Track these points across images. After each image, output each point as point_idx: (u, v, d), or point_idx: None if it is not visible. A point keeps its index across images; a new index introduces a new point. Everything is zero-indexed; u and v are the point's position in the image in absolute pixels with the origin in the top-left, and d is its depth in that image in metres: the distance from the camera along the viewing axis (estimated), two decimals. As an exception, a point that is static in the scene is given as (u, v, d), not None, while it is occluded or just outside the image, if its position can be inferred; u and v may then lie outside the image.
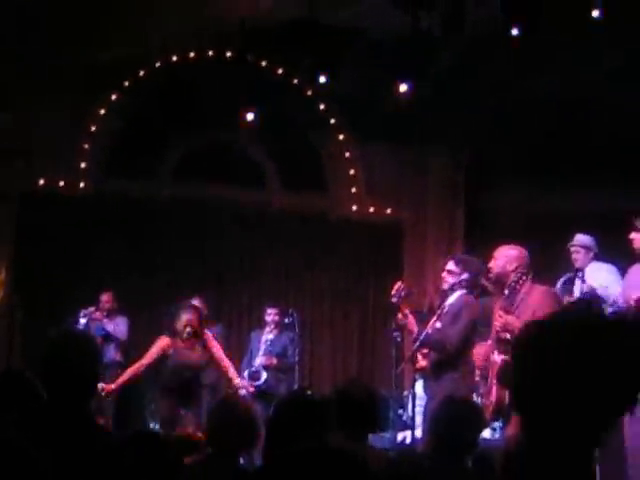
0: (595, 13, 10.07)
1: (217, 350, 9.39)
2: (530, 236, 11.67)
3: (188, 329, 9.15)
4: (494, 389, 7.08)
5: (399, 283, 8.03)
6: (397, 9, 10.43)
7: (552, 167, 13.30)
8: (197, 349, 9.25)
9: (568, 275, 9.84)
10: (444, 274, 8.07)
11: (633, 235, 7.05)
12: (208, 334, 9.45)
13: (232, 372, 9.42)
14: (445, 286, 8.05)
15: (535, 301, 7.16)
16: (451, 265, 8.08)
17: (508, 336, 7.04)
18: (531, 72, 12.04)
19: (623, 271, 9.09)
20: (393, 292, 7.93)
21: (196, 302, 11.41)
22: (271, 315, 11.36)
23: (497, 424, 8.40)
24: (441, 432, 4.99)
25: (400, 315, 7.88)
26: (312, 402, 3.97)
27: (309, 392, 7.10)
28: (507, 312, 7.09)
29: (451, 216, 14.30)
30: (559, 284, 9.74)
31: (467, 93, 12.43)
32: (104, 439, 3.63)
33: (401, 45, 10.88)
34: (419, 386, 8.33)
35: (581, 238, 9.90)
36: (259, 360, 11.06)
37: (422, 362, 7.99)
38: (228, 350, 11.57)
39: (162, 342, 9.30)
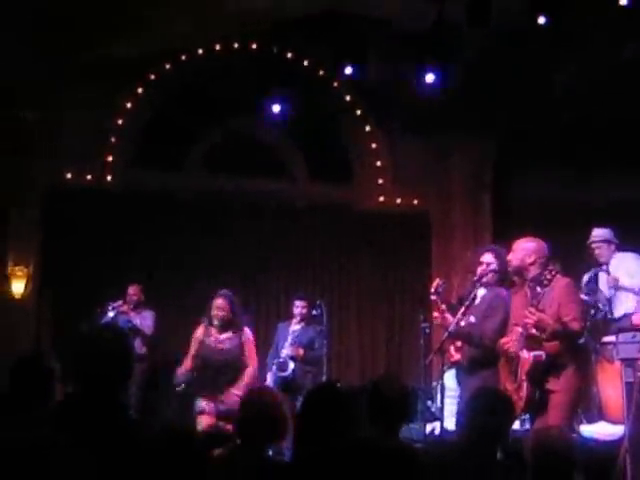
0: (623, 1, 10.03)
1: (251, 350, 9.32)
2: (558, 226, 11.67)
3: (219, 313, 9.11)
4: (524, 385, 7.05)
5: (438, 279, 8.01)
6: (423, -1, 10.42)
7: (580, 157, 13.24)
8: (229, 339, 9.18)
9: (593, 271, 9.81)
10: (483, 267, 8.00)
11: None
12: (247, 331, 9.37)
13: (249, 376, 9.29)
14: (483, 279, 7.98)
15: (559, 294, 7.11)
16: (488, 257, 8.03)
17: (534, 331, 7.00)
18: (559, 61, 11.98)
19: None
20: (432, 289, 7.90)
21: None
22: (299, 307, 11.33)
23: (525, 416, 8.36)
24: (473, 422, 4.98)
25: (437, 313, 7.86)
26: (342, 395, 3.96)
27: (338, 385, 7.12)
28: (536, 308, 7.04)
29: (478, 207, 14.24)
30: (583, 283, 9.71)
31: (494, 83, 12.39)
32: (137, 432, 3.64)
33: (427, 35, 10.85)
34: (448, 378, 8.31)
35: (600, 232, 9.87)
36: (286, 351, 11.03)
37: (455, 355, 7.96)
38: (255, 343, 11.64)
39: (196, 332, 9.30)
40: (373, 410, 4.96)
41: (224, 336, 9.13)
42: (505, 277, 7.92)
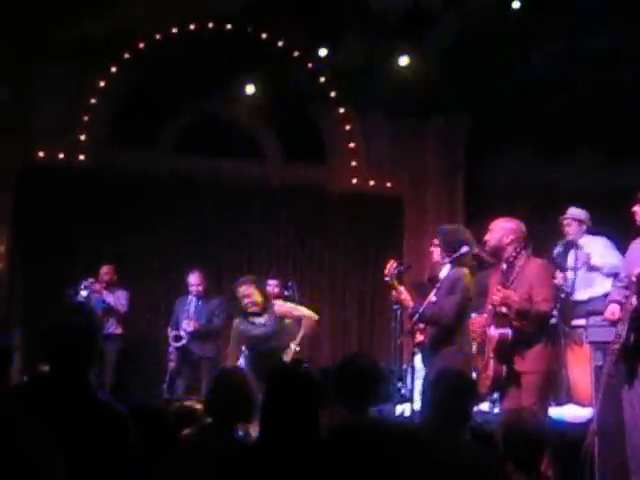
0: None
1: (290, 310, 9.34)
2: (529, 208, 11.73)
3: (246, 300, 9.11)
4: (491, 363, 7.10)
5: (391, 262, 8.02)
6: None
7: (551, 139, 13.29)
8: (262, 321, 9.17)
9: (562, 244, 9.90)
10: (432, 248, 8.12)
11: (636, 208, 7.05)
12: (275, 306, 9.35)
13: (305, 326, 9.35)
14: (435, 259, 8.08)
15: (532, 274, 7.18)
16: (436, 239, 8.16)
17: (504, 310, 7.05)
18: (531, 43, 12.01)
19: (620, 246, 9.13)
20: (386, 271, 7.93)
21: (195, 275, 11.46)
22: (271, 286, 11.37)
23: (495, 396, 8.43)
24: (434, 404, 5.01)
25: (394, 292, 7.89)
26: (306, 375, 3.99)
27: (304, 364, 7.13)
28: (504, 286, 7.09)
29: (451, 189, 14.30)
30: (555, 250, 9.80)
31: (467, 66, 12.40)
32: (105, 410, 3.64)
33: (402, 18, 10.86)
34: (418, 359, 8.34)
35: (574, 211, 10.00)
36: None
37: (420, 337, 8.00)
38: (230, 322, 11.67)
39: (233, 326, 9.32)
40: (343, 388, 4.96)
41: (260, 321, 9.17)
42: (461, 256, 7.92)
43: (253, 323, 9.08)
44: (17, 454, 1.90)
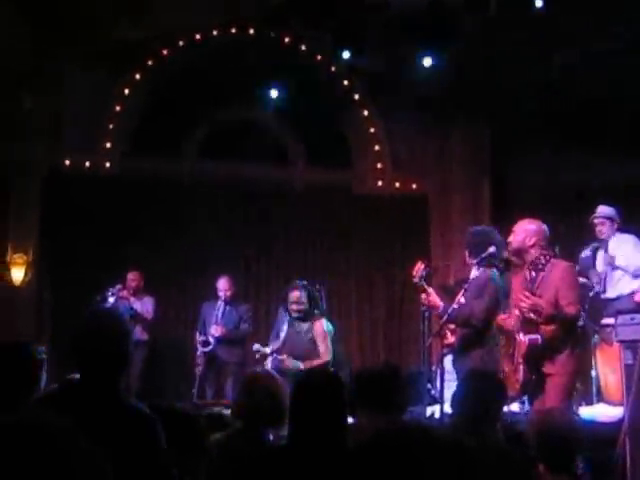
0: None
1: (322, 341, 9.37)
2: (556, 210, 11.69)
3: (294, 307, 9.21)
4: (521, 368, 7.08)
5: (419, 263, 8.00)
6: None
7: (578, 139, 13.23)
8: (304, 328, 9.24)
9: (591, 247, 9.87)
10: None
11: None
12: (318, 322, 9.41)
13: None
14: (469, 260, 8.04)
15: (557, 278, 7.13)
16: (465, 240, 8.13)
17: (532, 315, 7.02)
18: (557, 44, 11.97)
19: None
20: (414, 273, 7.92)
21: (223, 280, 11.49)
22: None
23: (525, 397, 8.39)
24: (464, 405, 5.00)
25: (423, 295, 7.88)
26: (334, 380, 3.99)
27: (332, 369, 7.13)
28: (531, 292, 7.05)
29: (477, 190, 14.25)
30: (584, 252, 9.77)
31: (493, 67, 12.38)
32: (136, 416, 3.65)
33: (425, 19, 10.84)
34: (448, 361, 8.33)
35: (604, 210, 9.95)
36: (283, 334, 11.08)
37: (450, 338, 7.99)
38: (256, 328, 11.67)
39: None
40: (370, 396, 4.97)
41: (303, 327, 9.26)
42: (495, 257, 7.91)
43: (294, 327, 9.15)
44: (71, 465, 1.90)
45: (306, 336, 9.21)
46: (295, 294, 9.25)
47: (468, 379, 5.28)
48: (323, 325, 9.36)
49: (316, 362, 9.13)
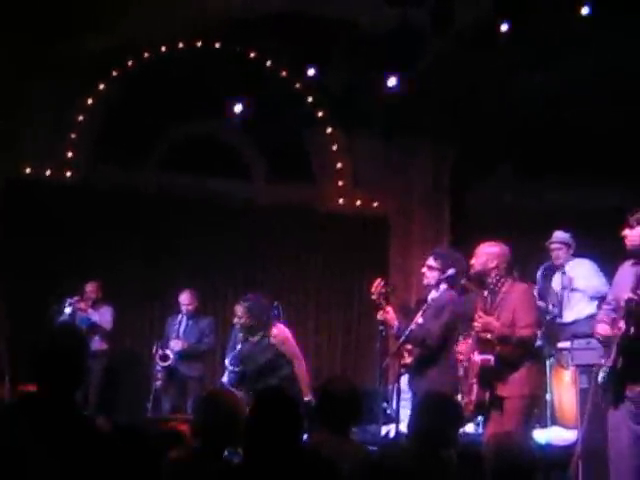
0: (584, 10, 10.15)
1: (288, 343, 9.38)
2: (515, 231, 11.77)
3: (235, 320, 9.26)
4: (474, 388, 7.10)
5: (378, 280, 8.02)
6: (387, 3, 10.45)
7: (537, 164, 13.36)
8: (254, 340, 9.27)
9: (547, 264, 9.95)
10: (424, 269, 8.08)
11: (626, 232, 7.02)
12: (275, 328, 9.40)
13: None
14: (425, 282, 8.06)
15: (515, 299, 7.16)
16: (430, 260, 8.09)
17: (488, 336, 7.05)
18: (518, 68, 12.07)
19: (604, 269, 9.18)
20: (372, 289, 7.94)
21: (185, 294, 11.45)
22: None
23: (480, 419, 8.43)
24: (420, 427, 5.03)
25: (381, 312, 7.89)
26: (290, 398, 4.00)
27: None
28: (486, 312, 7.09)
29: (437, 210, 14.32)
30: (539, 274, 9.85)
31: (455, 88, 12.46)
32: (91, 431, 3.64)
33: (390, 39, 10.88)
34: (404, 380, 8.35)
35: (560, 235, 10.05)
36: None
37: (407, 359, 8.01)
38: (217, 343, 11.64)
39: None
40: (323, 411, 5.00)
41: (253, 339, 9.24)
42: (457, 280, 7.97)
43: (246, 339, 9.16)
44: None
45: (260, 345, 9.19)
46: (236, 308, 9.30)
47: (424, 400, 5.31)
48: (281, 328, 9.37)
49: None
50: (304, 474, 3.79)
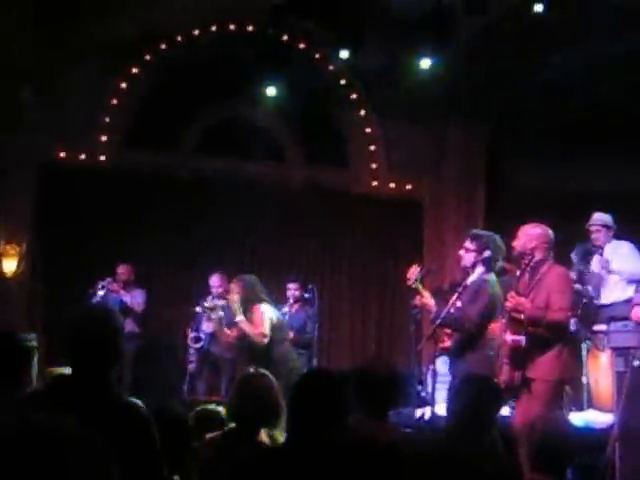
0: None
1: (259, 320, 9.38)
2: (550, 214, 11.66)
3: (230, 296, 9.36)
4: (505, 368, 7.08)
5: (414, 266, 7.99)
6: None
7: (576, 144, 13.24)
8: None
9: (581, 246, 9.85)
10: (461, 251, 8.02)
11: None
12: (255, 307, 9.41)
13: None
14: (462, 264, 8.01)
15: (551, 282, 7.12)
16: (467, 242, 8.03)
17: (521, 317, 7.01)
18: (555, 49, 11.97)
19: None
20: (408, 275, 7.90)
21: (215, 277, 11.45)
22: (292, 290, 11.37)
23: (511, 402, 8.39)
24: (460, 410, 5.00)
25: (417, 297, 7.87)
26: (334, 380, 3.95)
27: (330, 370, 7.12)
28: (521, 293, 7.05)
29: (471, 193, 14.25)
30: (573, 255, 9.75)
31: (490, 69, 12.38)
32: (129, 412, 3.63)
33: (424, 20, 10.83)
34: (439, 363, 8.31)
35: (600, 217, 9.93)
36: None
37: (446, 342, 7.97)
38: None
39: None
40: (361, 394, 4.97)
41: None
42: (493, 261, 7.92)
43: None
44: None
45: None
46: (231, 286, 9.40)
47: (464, 383, 5.27)
48: (260, 308, 9.33)
49: (248, 326, 9.20)
50: (347, 459, 3.75)
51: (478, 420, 4.91)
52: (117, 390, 3.76)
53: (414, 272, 7.87)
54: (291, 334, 10.94)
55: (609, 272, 9.68)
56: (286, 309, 11.23)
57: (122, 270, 11.94)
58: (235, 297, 9.27)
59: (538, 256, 7.17)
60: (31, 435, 1.85)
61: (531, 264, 7.14)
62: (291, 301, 11.34)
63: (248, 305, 9.26)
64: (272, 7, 12.17)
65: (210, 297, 10.75)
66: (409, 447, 4.26)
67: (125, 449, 3.43)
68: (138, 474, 3.40)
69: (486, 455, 4.72)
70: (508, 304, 7.04)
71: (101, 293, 11.43)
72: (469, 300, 7.68)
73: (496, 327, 7.60)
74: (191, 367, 11.28)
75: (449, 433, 5.04)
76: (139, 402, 3.79)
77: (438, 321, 7.57)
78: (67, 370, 3.87)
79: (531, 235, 7.32)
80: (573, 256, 9.85)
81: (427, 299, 7.82)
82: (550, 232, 7.39)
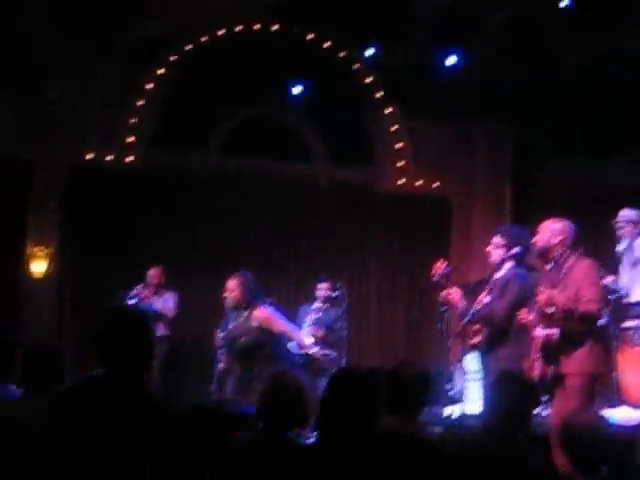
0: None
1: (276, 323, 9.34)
2: (578, 210, 11.61)
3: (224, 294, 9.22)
4: (538, 364, 7.04)
5: (440, 261, 7.98)
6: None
7: (600, 142, 13.17)
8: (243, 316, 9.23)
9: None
10: (490, 247, 7.99)
11: None
12: (257, 309, 9.37)
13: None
14: (491, 259, 7.97)
15: (579, 275, 7.08)
16: (497, 238, 8.00)
17: (552, 310, 6.98)
18: (583, 45, 11.91)
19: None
20: (433, 271, 7.89)
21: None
22: (322, 289, 11.34)
23: (544, 398, 8.34)
24: (496, 408, 4.98)
25: (444, 292, 7.85)
26: (366, 380, 3.94)
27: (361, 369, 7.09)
28: (553, 287, 7.02)
29: (498, 190, 14.21)
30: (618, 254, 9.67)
31: (516, 66, 12.33)
32: (161, 415, 3.64)
33: (450, 18, 10.81)
34: (469, 360, 8.29)
35: (626, 213, 9.84)
36: (306, 330, 11.07)
37: (475, 338, 7.95)
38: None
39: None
40: (391, 396, 4.97)
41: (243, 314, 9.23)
42: (523, 257, 7.89)
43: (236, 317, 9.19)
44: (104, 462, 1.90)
45: (242, 327, 9.15)
46: (228, 284, 9.26)
47: (499, 382, 5.25)
48: (266, 309, 9.29)
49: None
50: (382, 457, 3.74)
51: (515, 419, 4.89)
52: (149, 391, 3.77)
53: (439, 268, 7.86)
54: (320, 331, 10.94)
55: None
56: (318, 306, 11.24)
57: (153, 273, 11.91)
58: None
59: (561, 250, 7.14)
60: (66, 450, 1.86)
61: (559, 259, 7.10)
62: (322, 300, 11.32)
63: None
64: (296, 7, 12.20)
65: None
66: (448, 445, 4.26)
67: (156, 449, 3.45)
68: (168, 475, 3.41)
69: (524, 453, 4.70)
70: (539, 298, 7.00)
71: (132, 302, 11.41)
72: (499, 295, 7.66)
73: (523, 316, 7.51)
74: (220, 367, 11.27)
75: (487, 432, 5.02)
76: (170, 404, 3.79)
77: (467, 318, 7.56)
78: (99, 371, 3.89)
79: (555, 230, 7.28)
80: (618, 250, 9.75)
81: (453, 294, 7.80)
82: (572, 226, 7.35)
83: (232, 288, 9.11)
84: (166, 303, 11.84)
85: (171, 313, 11.85)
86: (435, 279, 7.90)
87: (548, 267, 7.20)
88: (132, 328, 3.74)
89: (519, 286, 7.64)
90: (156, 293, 11.82)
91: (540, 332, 7.04)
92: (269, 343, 9.04)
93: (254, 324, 9.01)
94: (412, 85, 12.93)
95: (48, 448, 1.86)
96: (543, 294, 6.97)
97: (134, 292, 11.47)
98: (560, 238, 7.23)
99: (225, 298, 9.18)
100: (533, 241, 7.46)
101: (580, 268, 7.12)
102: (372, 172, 14.28)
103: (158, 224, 12.83)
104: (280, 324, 9.20)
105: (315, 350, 9.67)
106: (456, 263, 11.90)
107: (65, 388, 4.40)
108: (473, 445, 4.47)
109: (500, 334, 7.62)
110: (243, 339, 9.05)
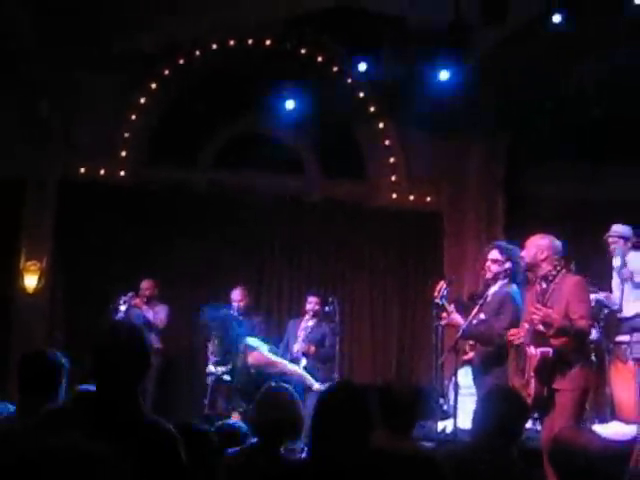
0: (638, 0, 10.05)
1: None
2: (571, 224, 11.65)
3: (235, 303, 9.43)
4: (532, 382, 7.03)
5: (441, 282, 7.99)
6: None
7: (593, 155, 13.21)
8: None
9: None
10: (488, 263, 8.00)
11: None
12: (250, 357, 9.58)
13: None
14: (489, 275, 7.99)
15: (568, 291, 7.08)
16: (495, 254, 8.02)
17: (544, 329, 6.98)
18: (573, 58, 11.96)
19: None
20: (435, 293, 7.90)
21: (237, 291, 11.44)
22: (312, 304, 11.34)
23: (536, 415, 8.34)
24: (487, 422, 4.98)
25: (444, 314, 7.86)
26: (358, 394, 3.93)
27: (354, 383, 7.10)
28: (542, 304, 7.02)
29: (491, 204, 14.20)
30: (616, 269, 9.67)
31: (508, 80, 12.36)
32: (155, 430, 3.62)
33: (442, 33, 10.84)
34: (461, 375, 8.29)
35: (618, 228, 9.86)
36: (297, 347, 11.06)
37: (470, 353, 7.95)
38: (268, 339, 11.64)
39: None
40: (385, 411, 4.96)
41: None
42: (516, 273, 7.92)
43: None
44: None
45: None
46: (233, 294, 9.51)
47: (490, 395, 5.25)
48: (254, 355, 9.51)
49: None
50: (374, 473, 3.72)
51: (505, 433, 4.89)
52: (143, 407, 3.75)
53: (441, 289, 7.87)
54: (312, 348, 10.94)
55: (635, 285, 9.59)
56: (309, 323, 11.24)
57: (146, 285, 11.92)
58: None
59: (548, 267, 7.14)
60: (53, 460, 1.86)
61: (548, 275, 7.11)
62: (311, 314, 11.32)
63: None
64: (289, 22, 12.23)
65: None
66: (441, 460, 4.25)
67: (151, 467, 3.44)
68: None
69: (515, 468, 4.70)
70: (535, 316, 6.99)
71: (123, 308, 11.40)
72: (495, 313, 7.66)
73: (514, 334, 7.52)
74: (210, 381, 11.25)
75: (477, 446, 5.02)
76: (164, 420, 3.77)
77: (460, 333, 7.56)
78: (91, 387, 3.87)
79: (541, 246, 7.30)
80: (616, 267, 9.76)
81: (454, 315, 7.81)
82: (558, 242, 7.37)
83: (241, 297, 9.41)
84: (158, 314, 11.83)
85: (162, 324, 11.84)
86: (437, 301, 7.92)
87: (542, 284, 7.20)
88: (126, 343, 3.72)
89: (514, 304, 7.66)
90: (147, 304, 11.81)
91: (534, 351, 7.03)
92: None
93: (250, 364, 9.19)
94: (405, 100, 12.96)
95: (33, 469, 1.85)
96: (539, 312, 6.96)
97: (126, 297, 11.46)
98: (547, 254, 7.25)
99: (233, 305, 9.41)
100: (520, 256, 7.49)
101: (568, 284, 7.13)
102: (364, 187, 14.27)
103: (150, 239, 12.81)
104: (265, 358, 9.34)
105: (317, 387, 9.73)
106: (450, 277, 11.89)
107: (56, 407, 4.37)
108: (466, 460, 4.46)
109: (497, 353, 7.63)
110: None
